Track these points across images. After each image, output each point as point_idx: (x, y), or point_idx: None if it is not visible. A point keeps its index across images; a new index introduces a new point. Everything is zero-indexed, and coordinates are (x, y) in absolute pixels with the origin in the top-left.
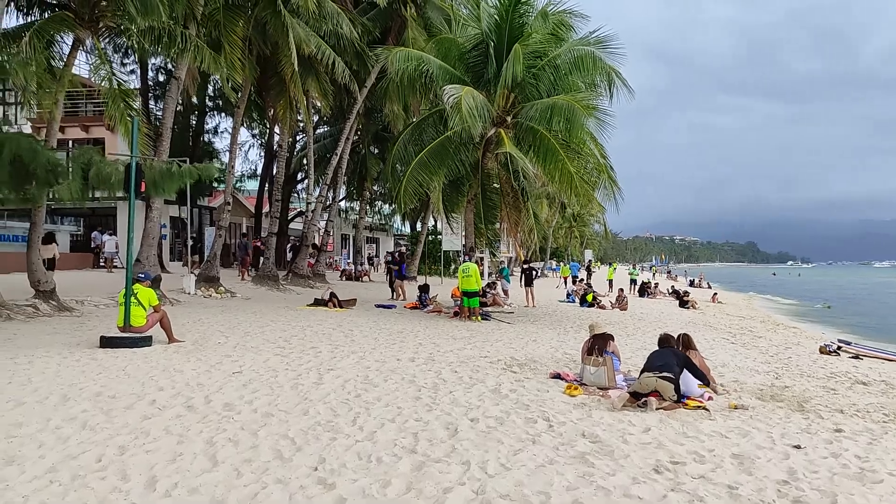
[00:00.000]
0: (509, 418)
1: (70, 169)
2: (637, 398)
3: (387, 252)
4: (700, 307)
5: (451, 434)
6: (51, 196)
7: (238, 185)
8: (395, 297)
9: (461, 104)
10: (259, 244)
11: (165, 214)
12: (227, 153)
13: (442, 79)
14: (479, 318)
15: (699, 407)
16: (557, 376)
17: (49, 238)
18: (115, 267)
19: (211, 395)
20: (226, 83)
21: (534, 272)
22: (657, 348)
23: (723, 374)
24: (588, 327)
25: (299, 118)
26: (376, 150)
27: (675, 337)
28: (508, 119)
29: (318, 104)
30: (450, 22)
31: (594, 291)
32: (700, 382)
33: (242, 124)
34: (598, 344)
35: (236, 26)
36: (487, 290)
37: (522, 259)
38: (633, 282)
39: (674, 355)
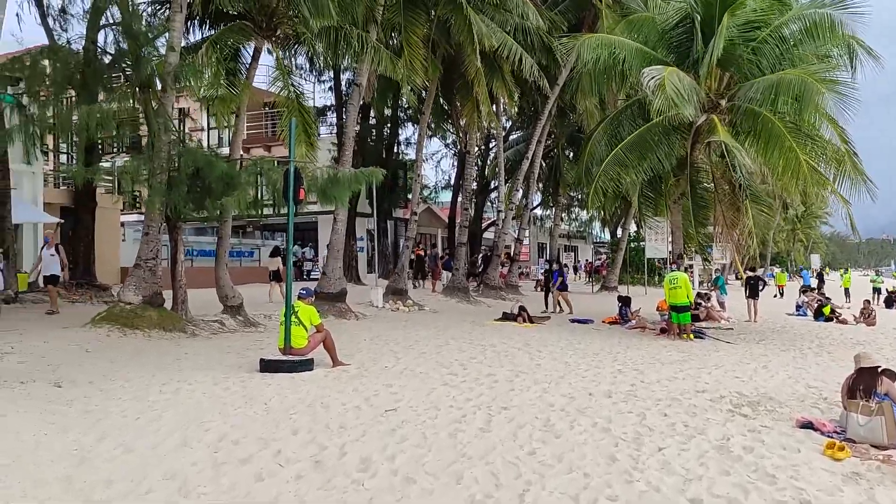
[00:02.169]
0: (749, 500)
1: (242, 180)
2: None
3: (544, 260)
4: None
5: None
6: (220, 209)
7: (432, 195)
8: (548, 309)
9: (665, 84)
10: (420, 252)
11: (362, 227)
12: (423, 161)
13: (639, 63)
14: (692, 336)
15: None
16: (808, 426)
17: (276, 252)
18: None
19: (349, 443)
20: (406, 86)
21: (760, 282)
22: None
23: None
24: (854, 358)
25: (488, 124)
26: (571, 154)
27: None
28: (722, 103)
29: (514, 106)
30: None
31: (832, 303)
32: None
33: (434, 134)
34: (865, 382)
35: (417, 27)
36: (700, 302)
37: (741, 266)
38: (877, 291)
39: None
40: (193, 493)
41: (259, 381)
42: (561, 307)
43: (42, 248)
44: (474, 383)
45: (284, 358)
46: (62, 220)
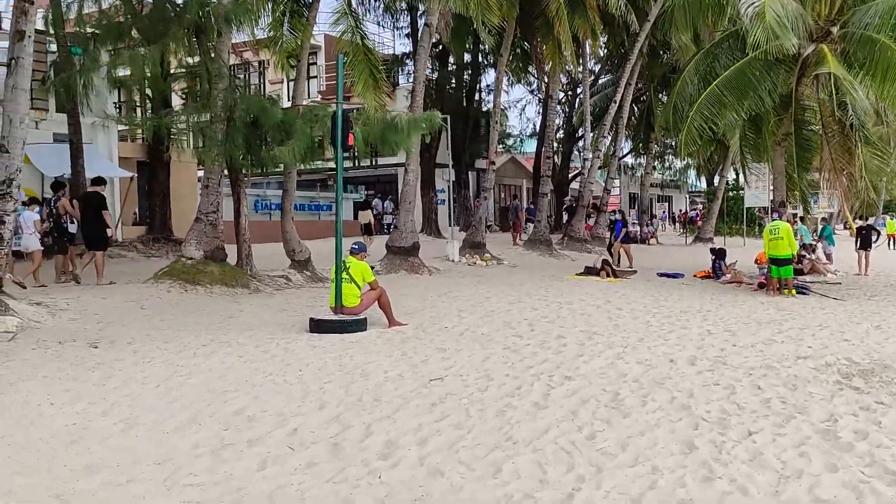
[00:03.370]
0: None
1: (298, 128)
2: None
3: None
4: None
5: None
6: (273, 160)
7: (517, 145)
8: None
9: (765, 11)
10: (479, 205)
11: (443, 179)
12: (506, 109)
13: None
14: (793, 291)
15: None
16: None
17: (365, 205)
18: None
19: (378, 422)
20: (481, 26)
21: (873, 233)
22: None
23: None
24: None
25: (574, 67)
26: (664, 97)
27: None
28: (833, 30)
29: (598, 48)
30: None
31: None
32: None
33: (517, 79)
34: None
35: None
36: (804, 254)
37: (850, 215)
38: None
39: None
40: (179, 485)
41: (305, 343)
42: (624, 260)
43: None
44: (539, 347)
45: (335, 318)
46: (135, 175)
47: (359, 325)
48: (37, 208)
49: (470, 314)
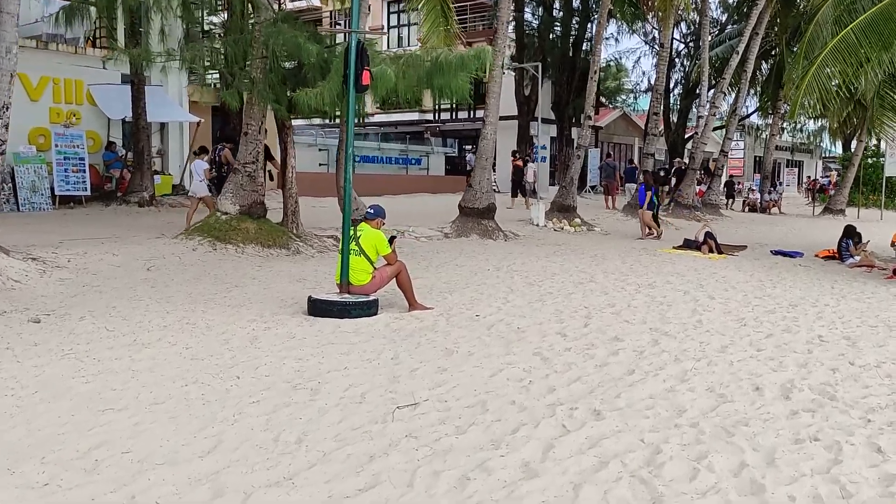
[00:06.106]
0: None
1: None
2: None
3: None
4: None
5: None
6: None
7: (629, 101)
8: (644, 234)
9: None
10: (519, 163)
11: (544, 136)
12: (612, 61)
13: None
14: None
15: None
16: None
17: None
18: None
19: (264, 490)
20: None
21: None
22: None
23: None
24: None
25: (688, 12)
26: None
27: None
28: None
29: None
30: None
31: None
32: None
33: (632, 30)
34: None
35: None
36: None
37: None
38: None
39: None
40: None
41: (285, 331)
42: (650, 230)
43: None
44: (581, 355)
45: (336, 298)
46: (201, 120)
47: (364, 309)
48: (206, 157)
49: (520, 296)
